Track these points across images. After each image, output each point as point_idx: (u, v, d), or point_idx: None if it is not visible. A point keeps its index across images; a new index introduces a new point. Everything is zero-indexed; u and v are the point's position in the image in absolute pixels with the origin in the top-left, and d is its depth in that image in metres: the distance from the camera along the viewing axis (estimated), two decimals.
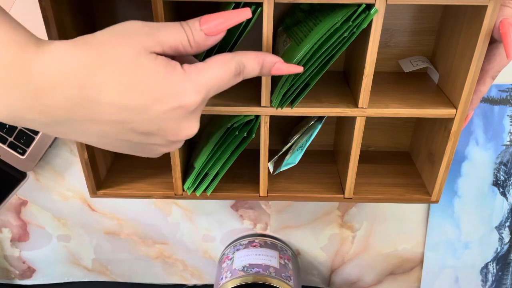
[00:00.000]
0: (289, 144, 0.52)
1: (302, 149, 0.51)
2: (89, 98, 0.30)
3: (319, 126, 0.51)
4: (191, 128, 0.35)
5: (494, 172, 0.66)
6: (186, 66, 0.33)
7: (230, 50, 0.44)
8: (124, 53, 0.31)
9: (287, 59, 0.44)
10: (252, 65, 0.37)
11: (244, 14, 0.36)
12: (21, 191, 0.67)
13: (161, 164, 0.58)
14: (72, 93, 0.30)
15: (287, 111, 0.47)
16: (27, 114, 0.30)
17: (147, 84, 0.31)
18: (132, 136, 0.34)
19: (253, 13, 0.41)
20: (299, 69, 0.39)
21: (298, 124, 0.59)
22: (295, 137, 0.53)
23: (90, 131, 0.33)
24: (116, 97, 0.31)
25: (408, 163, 0.61)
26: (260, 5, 0.41)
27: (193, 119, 0.35)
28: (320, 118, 0.52)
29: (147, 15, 0.50)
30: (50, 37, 0.42)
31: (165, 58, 0.32)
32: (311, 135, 0.51)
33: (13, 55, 0.28)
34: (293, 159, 0.52)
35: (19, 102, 0.29)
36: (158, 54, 0.32)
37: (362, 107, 0.47)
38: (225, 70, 0.35)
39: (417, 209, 0.70)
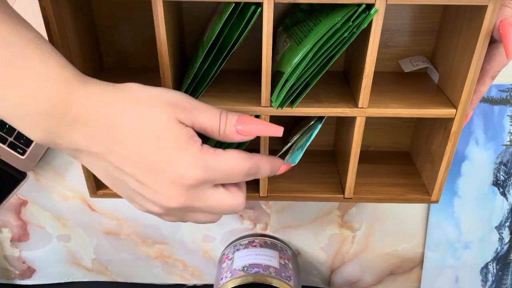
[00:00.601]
0: (289, 144, 0.52)
1: (302, 149, 0.51)
2: (109, 139, 0.34)
3: (319, 126, 0.51)
4: (172, 199, 0.36)
5: (494, 172, 0.66)
6: (206, 146, 0.36)
7: (230, 50, 0.44)
8: (158, 114, 0.35)
9: (287, 59, 0.44)
10: (265, 169, 0.41)
11: (278, 131, 0.40)
12: (21, 191, 0.67)
13: None
14: (97, 130, 0.34)
15: (287, 111, 0.47)
16: (57, 139, 0.34)
17: (164, 147, 0.34)
18: (128, 180, 0.36)
19: (253, 13, 0.41)
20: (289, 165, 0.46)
21: (298, 124, 0.59)
22: (295, 137, 0.53)
23: (95, 164, 0.36)
24: (130, 150, 0.34)
25: (408, 163, 0.61)
26: (260, 5, 0.41)
27: (184, 193, 0.36)
28: (320, 118, 0.52)
29: (147, 16, 0.50)
30: (50, 36, 0.42)
31: (192, 131, 0.36)
32: (311, 135, 0.51)
33: (59, 89, 0.33)
34: (293, 159, 0.52)
35: (55, 129, 0.33)
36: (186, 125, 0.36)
37: (362, 107, 0.47)
38: (238, 166, 0.37)
39: (417, 209, 0.70)
